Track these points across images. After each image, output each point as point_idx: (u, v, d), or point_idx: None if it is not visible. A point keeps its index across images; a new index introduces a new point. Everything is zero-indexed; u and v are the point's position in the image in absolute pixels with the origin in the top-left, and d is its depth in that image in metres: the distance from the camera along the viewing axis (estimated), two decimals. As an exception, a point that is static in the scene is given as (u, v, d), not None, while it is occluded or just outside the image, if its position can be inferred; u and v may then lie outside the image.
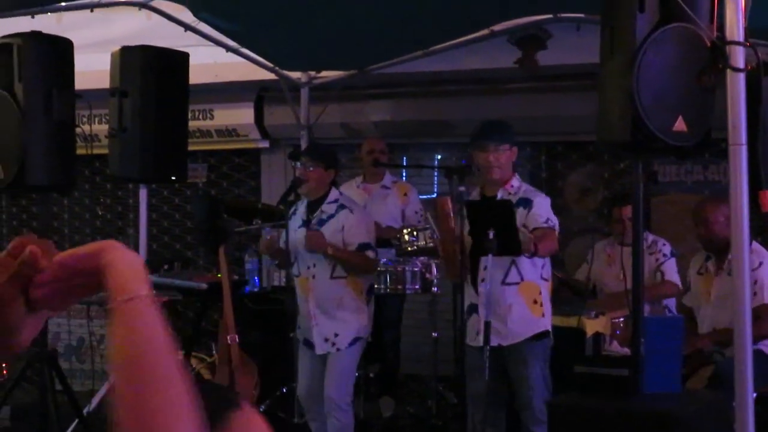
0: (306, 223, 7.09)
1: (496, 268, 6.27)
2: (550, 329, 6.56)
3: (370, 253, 7.08)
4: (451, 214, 6.51)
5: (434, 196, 9.82)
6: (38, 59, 6.79)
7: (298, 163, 7.20)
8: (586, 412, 5.35)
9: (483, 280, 6.32)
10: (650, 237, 7.54)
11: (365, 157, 8.74)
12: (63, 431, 7.10)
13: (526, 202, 6.44)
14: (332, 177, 7.15)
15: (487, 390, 6.26)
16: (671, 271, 7.47)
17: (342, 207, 7.06)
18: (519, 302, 6.43)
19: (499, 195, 6.49)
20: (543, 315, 6.51)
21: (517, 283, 6.44)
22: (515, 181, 6.60)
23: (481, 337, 6.26)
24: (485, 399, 6.34)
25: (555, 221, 6.46)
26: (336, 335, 7.01)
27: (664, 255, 7.50)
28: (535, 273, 6.49)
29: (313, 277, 7.06)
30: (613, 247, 7.65)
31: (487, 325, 6.12)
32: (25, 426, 8.17)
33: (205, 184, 11.12)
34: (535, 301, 6.47)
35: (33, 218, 11.64)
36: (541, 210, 6.42)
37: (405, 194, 8.82)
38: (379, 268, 7.71)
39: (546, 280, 6.57)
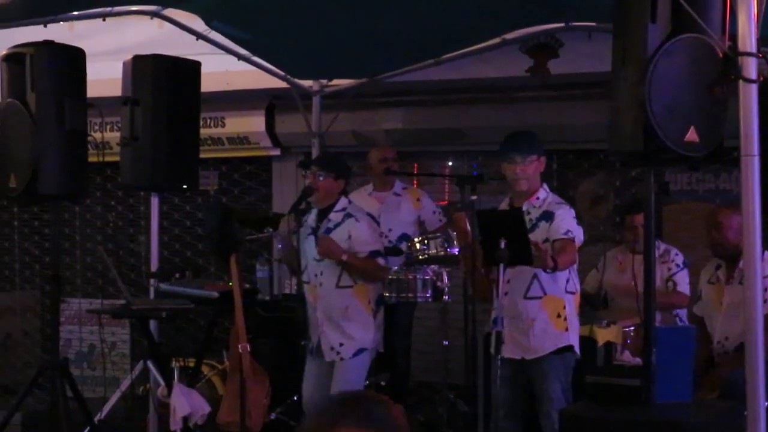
0: (314, 231, 7.10)
1: (518, 281, 6.25)
2: (575, 344, 6.47)
3: (381, 261, 7.09)
4: (468, 229, 6.49)
5: (445, 204, 9.82)
6: (50, 68, 6.83)
7: (308, 172, 7.20)
8: (598, 421, 5.35)
9: (507, 293, 6.28)
10: (662, 246, 7.54)
11: (376, 166, 8.72)
12: (74, 438, 7.12)
13: (549, 216, 6.39)
14: (342, 187, 7.15)
15: (501, 399, 6.25)
16: (683, 282, 7.46)
17: (348, 216, 7.05)
18: (542, 317, 6.38)
19: (524, 207, 6.45)
20: (567, 329, 6.42)
21: (539, 297, 6.39)
22: (542, 193, 6.53)
23: (505, 348, 6.22)
24: (504, 409, 6.34)
25: (577, 232, 6.38)
26: (341, 345, 7.02)
27: (677, 265, 7.50)
28: (558, 287, 6.42)
29: (320, 285, 7.07)
30: (625, 255, 7.63)
31: (498, 335, 6.08)
32: (37, 433, 8.20)
33: (216, 191, 11.14)
34: (559, 315, 6.40)
35: (44, 225, 11.66)
36: (562, 222, 6.36)
37: (418, 199, 8.81)
38: (390, 276, 7.72)
39: (572, 293, 6.50)
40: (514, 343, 6.27)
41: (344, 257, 6.91)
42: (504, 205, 6.70)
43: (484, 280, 6.47)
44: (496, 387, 6.08)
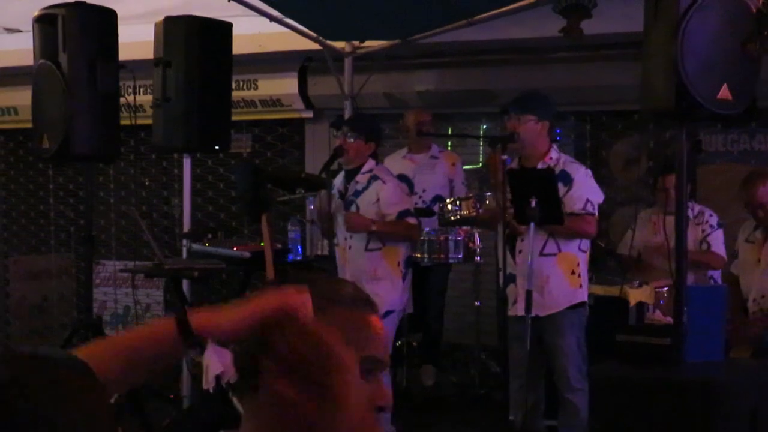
0: (342, 195, 7.10)
1: (534, 239, 6.25)
2: (587, 300, 6.56)
3: (411, 220, 7.07)
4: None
5: (479, 166, 9.82)
6: (82, 30, 6.84)
7: (340, 133, 7.20)
8: (628, 380, 5.34)
9: (521, 251, 6.33)
10: (696, 207, 7.48)
11: (413, 128, 8.72)
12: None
13: (566, 178, 6.39)
14: (373, 149, 7.13)
15: (527, 358, 6.27)
16: (718, 243, 7.40)
17: (375, 178, 7.04)
18: (557, 273, 6.43)
19: (539, 167, 6.47)
20: (580, 286, 6.50)
21: (554, 254, 6.43)
22: (553, 153, 6.56)
23: (517, 306, 6.29)
24: (524, 367, 6.35)
25: (595, 201, 6.45)
26: None
27: (711, 226, 7.43)
28: (573, 244, 6.48)
29: (350, 247, 7.08)
30: (659, 216, 7.58)
31: (529, 293, 6.12)
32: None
33: (249, 154, 11.16)
34: (573, 272, 6.46)
35: (79, 188, 11.73)
36: (581, 191, 6.39)
37: (453, 164, 8.82)
38: (422, 237, 7.72)
39: (584, 251, 6.55)
40: (532, 299, 6.28)
41: (374, 227, 6.91)
42: (514, 164, 6.68)
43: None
44: (524, 347, 6.12)
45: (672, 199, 6.64)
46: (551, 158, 6.52)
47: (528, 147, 6.52)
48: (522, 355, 6.28)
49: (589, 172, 6.60)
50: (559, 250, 6.44)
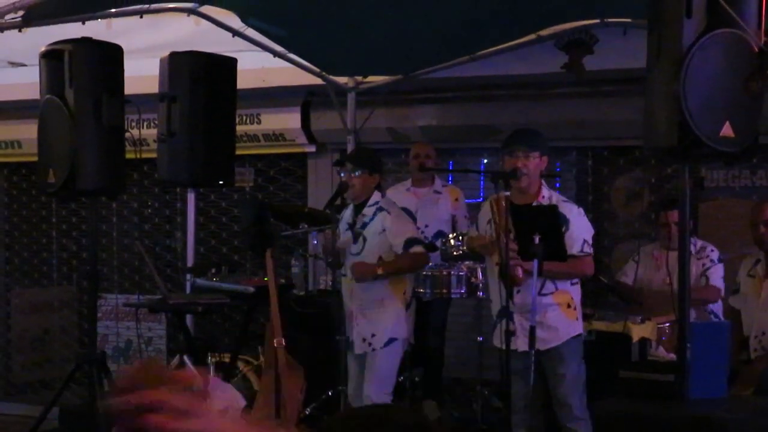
0: (351, 227, 7.15)
1: (531, 278, 6.28)
2: (583, 332, 6.72)
3: (418, 248, 7.10)
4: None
5: (480, 200, 9.83)
6: (89, 65, 6.88)
7: (344, 169, 7.24)
8: (632, 417, 5.35)
9: (518, 291, 6.38)
10: (698, 242, 7.50)
11: (412, 162, 8.77)
12: (111, 433, 7.15)
13: (563, 219, 6.44)
14: (377, 182, 7.20)
15: (525, 393, 6.30)
16: (716, 277, 7.42)
17: (380, 210, 7.11)
18: (554, 308, 6.58)
19: (534, 204, 6.54)
20: (577, 318, 6.68)
21: (552, 293, 6.55)
22: (545, 191, 6.65)
23: (518, 342, 6.34)
24: (523, 401, 6.39)
25: (590, 238, 6.64)
26: (372, 335, 7.07)
27: (712, 261, 7.46)
28: (565, 281, 6.62)
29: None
30: (660, 252, 7.60)
31: (532, 329, 6.16)
32: (74, 427, 8.25)
33: (252, 188, 11.18)
34: (569, 305, 6.63)
35: (82, 222, 11.74)
36: (576, 232, 6.51)
37: (456, 199, 8.83)
38: (424, 272, 7.74)
39: (575, 284, 6.71)
40: (526, 335, 6.32)
41: (380, 271, 6.97)
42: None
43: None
44: (527, 382, 6.16)
45: (674, 234, 6.69)
46: (544, 197, 6.60)
47: (533, 183, 6.58)
48: (521, 389, 6.32)
49: (581, 210, 6.74)
50: (556, 288, 6.59)
